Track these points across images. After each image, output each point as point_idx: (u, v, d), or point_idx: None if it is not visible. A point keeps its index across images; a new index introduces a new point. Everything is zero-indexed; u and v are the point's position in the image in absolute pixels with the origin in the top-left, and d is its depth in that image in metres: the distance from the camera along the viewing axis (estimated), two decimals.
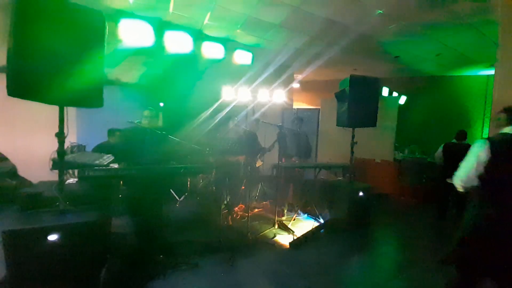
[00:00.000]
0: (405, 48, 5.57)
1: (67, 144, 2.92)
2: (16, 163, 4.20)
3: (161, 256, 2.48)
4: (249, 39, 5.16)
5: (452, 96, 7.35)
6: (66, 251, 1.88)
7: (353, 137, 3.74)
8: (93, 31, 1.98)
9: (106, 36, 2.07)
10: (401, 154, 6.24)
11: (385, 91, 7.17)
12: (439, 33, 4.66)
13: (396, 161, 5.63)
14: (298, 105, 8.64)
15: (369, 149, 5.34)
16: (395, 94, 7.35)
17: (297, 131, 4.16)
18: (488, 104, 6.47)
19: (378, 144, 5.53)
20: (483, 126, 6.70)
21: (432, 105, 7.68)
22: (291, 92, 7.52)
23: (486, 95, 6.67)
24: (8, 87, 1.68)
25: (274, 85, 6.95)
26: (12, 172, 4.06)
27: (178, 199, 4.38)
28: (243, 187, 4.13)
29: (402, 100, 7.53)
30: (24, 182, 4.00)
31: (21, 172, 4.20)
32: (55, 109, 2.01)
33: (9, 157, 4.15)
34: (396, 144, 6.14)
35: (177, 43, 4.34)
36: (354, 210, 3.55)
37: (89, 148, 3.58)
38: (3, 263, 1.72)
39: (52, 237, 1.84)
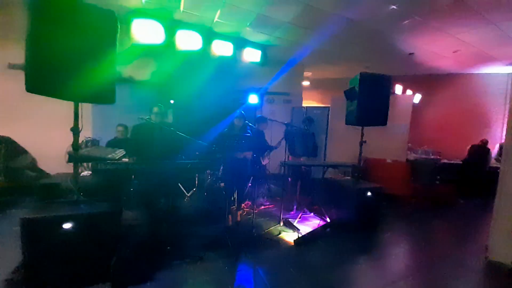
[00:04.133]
0: (420, 45, 5.39)
1: (82, 139, 3.07)
2: (36, 156, 4.44)
3: (168, 248, 2.56)
4: (258, 37, 5.16)
5: (471, 95, 7.04)
6: (79, 239, 1.99)
7: (362, 136, 3.68)
8: (106, 30, 2.07)
9: (118, 35, 2.15)
10: (414, 154, 6.06)
11: (398, 89, 6.97)
12: (456, 28, 4.48)
13: (408, 162, 5.48)
14: (308, 103, 8.57)
15: (381, 149, 5.22)
16: (409, 92, 7.13)
17: (305, 131, 4.14)
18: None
19: (390, 144, 5.40)
20: (503, 127, 6.39)
21: (449, 104, 7.40)
22: (301, 90, 7.47)
23: (506, 94, 6.35)
24: (26, 83, 1.80)
25: (284, 83, 6.93)
26: (32, 165, 4.30)
27: (186, 194, 4.48)
28: (249, 184, 4.17)
29: (417, 98, 7.30)
30: (43, 174, 4.22)
31: (40, 164, 4.44)
32: (72, 105, 2.12)
33: (29, 150, 4.40)
34: (409, 144, 5.97)
35: (188, 41, 4.41)
36: (362, 210, 3.49)
37: (102, 142, 3.74)
38: (20, 249, 1.84)
39: (66, 226, 1.96)
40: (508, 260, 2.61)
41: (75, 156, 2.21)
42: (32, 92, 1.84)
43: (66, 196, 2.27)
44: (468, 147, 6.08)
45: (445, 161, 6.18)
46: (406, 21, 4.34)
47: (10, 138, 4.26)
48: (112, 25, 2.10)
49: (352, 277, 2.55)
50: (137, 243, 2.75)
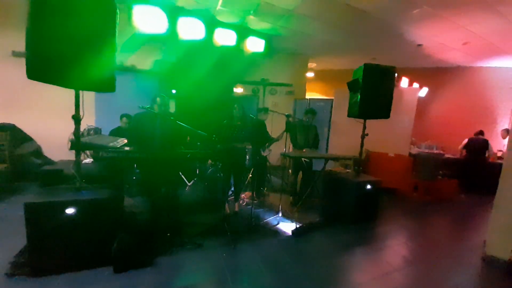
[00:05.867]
0: (429, 36, 5.23)
1: (84, 127, 3.10)
2: (40, 143, 4.53)
3: (168, 234, 2.62)
4: (262, 26, 5.06)
5: (478, 88, 6.87)
6: (81, 224, 2.05)
7: (364, 128, 3.65)
8: (105, 17, 2.05)
9: (117, 22, 2.13)
10: (417, 148, 6.00)
11: (404, 82, 6.83)
12: (467, 20, 4.32)
13: (410, 156, 5.43)
14: (311, 95, 8.47)
15: (384, 142, 5.19)
16: (415, 85, 6.99)
17: (307, 124, 4.13)
18: None
19: (394, 137, 5.35)
20: (510, 122, 6.26)
21: (456, 98, 7.25)
22: (304, 82, 7.37)
23: None
24: (27, 70, 1.81)
25: (287, 73, 6.84)
26: (37, 152, 4.38)
27: (188, 183, 4.55)
28: (250, 175, 4.20)
29: (423, 92, 7.16)
30: (47, 161, 4.31)
31: (45, 151, 4.53)
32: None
33: (33, 137, 4.48)
34: (413, 139, 5.91)
35: (190, 29, 4.35)
36: (361, 203, 3.51)
37: (104, 131, 3.78)
38: (24, 233, 1.91)
39: (69, 211, 2.01)
40: (506, 255, 2.62)
41: (77, 143, 2.24)
42: (33, 79, 1.85)
43: (68, 183, 2.32)
44: (465, 142, 5.94)
45: (449, 156, 6.11)
46: (416, 11, 4.21)
47: (15, 126, 4.33)
48: (111, 12, 2.08)
49: (347, 267, 2.59)
50: (138, 230, 2.82)
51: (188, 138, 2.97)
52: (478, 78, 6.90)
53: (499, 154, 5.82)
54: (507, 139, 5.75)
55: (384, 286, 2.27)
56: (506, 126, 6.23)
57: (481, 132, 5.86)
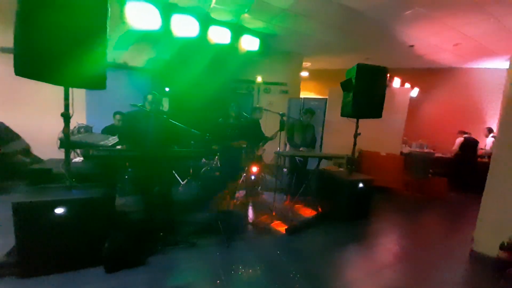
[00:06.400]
0: (421, 37, 5.31)
1: (74, 125, 3.04)
2: (29, 141, 4.41)
3: (161, 233, 2.60)
4: (257, 24, 5.05)
5: (468, 89, 7.03)
6: (71, 224, 2.02)
7: (356, 128, 3.69)
8: (96, 13, 2.00)
9: (108, 18, 2.09)
10: (408, 147, 6.11)
11: (396, 82, 6.93)
12: (458, 21, 4.41)
13: (402, 155, 5.53)
14: (306, 94, 8.51)
15: (377, 141, 5.25)
16: (407, 85, 7.09)
17: (305, 123, 4.16)
18: None
19: (386, 137, 5.42)
20: (498, 122, 6.42)
21: (446, 98, 7.40)
22: (299, 81, 7.39)
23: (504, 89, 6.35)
24: (15, 66, 1.76)
25: (281, 72, 6.85)
26: (26, 150, 4.28)
27: (181, 182, 4.51)
28: (244, 174, 4.20)
29: (414, 92, 7.28)
30: (36, 160, 4.21)
31: (34, 150, 4.42)
32: None
33: (22, 135, 4.36)
34: (404, 138, 6.01)
35: (184, 26, 4.31)
36: (353, 201, 3.56)
37: (96, 129, 3.71)
38: (12, 233, 1.86)
39: (59, 210, 1.97)
40: (493, 252, 2.69)
41: (66, 142, 2.20)
42: (21, 76, 1.80)
43: (58, 182, 2.27)
44: (460, 141, 6.08)
45: (440, 155, 6.24)
46: (408, 12, 4.26)
47: (3, 123, 4.22)
48: (102, 7, 2.03)
49: (340, 264, 2.62)
50: (131, 229, 2.79)
51: None
52: (468, 79, 7.06)
53: (480, 152, 6.00)
54: (489, 138, 5.99)
55: (376, 282, 2.30)
56: (495, 126, 6.39)
57: (464, 131, 6.04)
